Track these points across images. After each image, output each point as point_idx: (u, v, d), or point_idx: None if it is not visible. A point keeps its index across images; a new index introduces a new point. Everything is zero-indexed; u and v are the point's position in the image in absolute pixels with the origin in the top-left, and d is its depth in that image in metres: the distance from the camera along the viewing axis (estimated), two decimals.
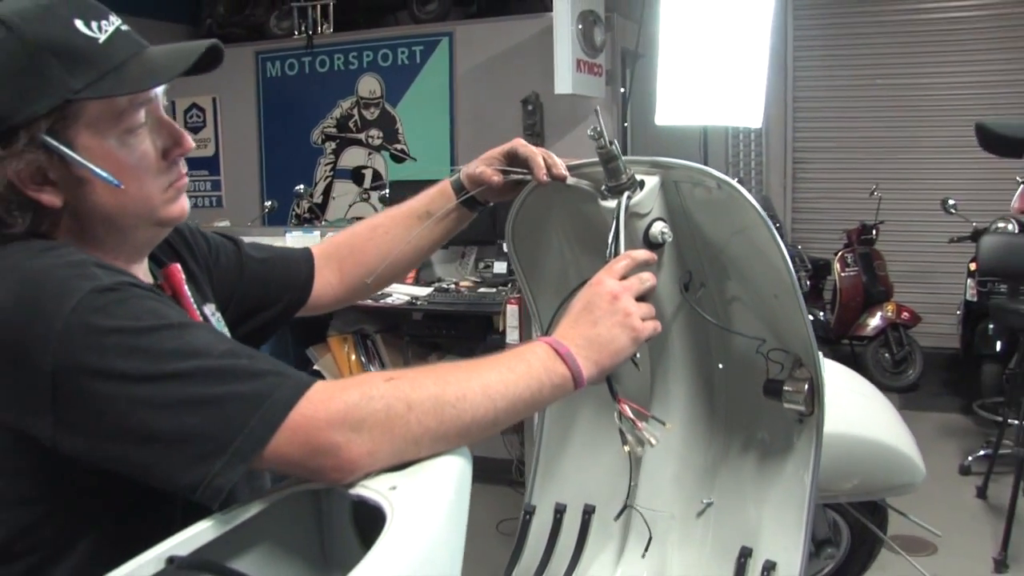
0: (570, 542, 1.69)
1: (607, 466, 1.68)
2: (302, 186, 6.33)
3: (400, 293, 4.71)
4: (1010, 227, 6.14)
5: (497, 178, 1.49)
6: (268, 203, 6.35)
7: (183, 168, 1.19)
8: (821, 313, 6.82)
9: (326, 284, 1.58)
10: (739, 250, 1.45)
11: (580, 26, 5.55)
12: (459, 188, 1.56)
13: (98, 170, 1.07)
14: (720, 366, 1.60)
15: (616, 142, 1.33)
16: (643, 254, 1.32)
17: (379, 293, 4.58)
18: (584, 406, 1.71)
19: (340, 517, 1.16)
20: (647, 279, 1.28)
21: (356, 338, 4.95)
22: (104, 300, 0.99)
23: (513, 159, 1.49)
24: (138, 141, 1.12)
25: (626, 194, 1.35)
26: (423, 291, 4.79)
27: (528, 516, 1.71)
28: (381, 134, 7.06)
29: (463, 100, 6.95)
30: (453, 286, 4.94)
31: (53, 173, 1.07)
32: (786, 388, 1.47)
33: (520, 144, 1.49)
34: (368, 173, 7.14)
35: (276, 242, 3.17)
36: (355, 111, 7.09)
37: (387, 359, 4.92)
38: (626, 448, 1.33)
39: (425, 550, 0.94)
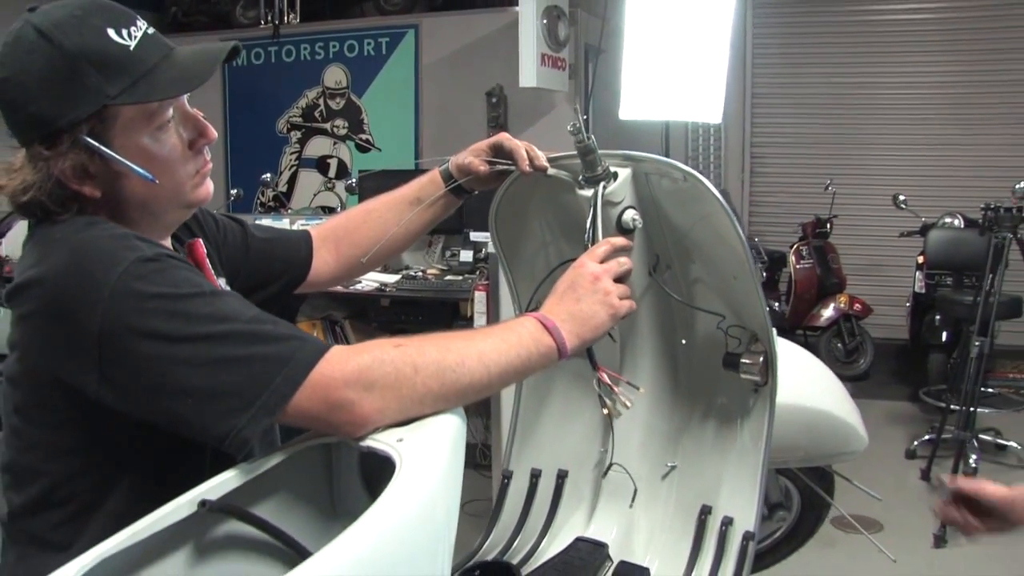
0: (545, 503, 1.83)
1: (579, 434, 1.83)
2: (269, 175, 6.37)
3: (369, 280, 4.81)
4: (956, 222, 6.35)
5: (484, 168, 1.61)
6: (233, 191, 6.39)
7: (207, 155, 1.31)
8: (776, 304, 6.98)
9: (323, 263, 1.70)
10: (702, 236, 1.58)
11: (545, 21, 5.65)
12: (447, 177, 1.68)
13: (135, 167, 1.20)
14: (683, 341, 1.74)
15: (594, 137, 1.46)
16: (621, 241, 1.46)
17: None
18: (558, 379, 1.85)
19: (349, 470, 1.29)
20: (624, 263, 1.42)
21: (325, 324, 5.05)
22: (146, 269, 1.11)
23: (498, 151, 1.61)
24: (167, 136, 1.24)
25: (602, 184, 1.49)
26: (391, 278, 4.90)
27: (506, 480, 1.84)
28: (346, 124, 7.13)
29: (428, 91, 7.02)
30: (420, 273, 5.06)
31: (93, 168, 1.19)
32: (743, 360, 1.61)
33: (505, 137, 1.61)
34: (333, 163, 7.20)
35: None
36: (321, 101, 7.15)
37: None
38: (605, 411, 1.48)
39: (431, 492, 1.08)
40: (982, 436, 5.25)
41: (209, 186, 1.32)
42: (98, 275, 1.10)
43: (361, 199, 5.24)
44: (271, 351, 1.12)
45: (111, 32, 1.18)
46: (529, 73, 5.65)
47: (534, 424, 1.86)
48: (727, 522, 1.64)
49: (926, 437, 5.29)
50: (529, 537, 1.78)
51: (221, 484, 1.13)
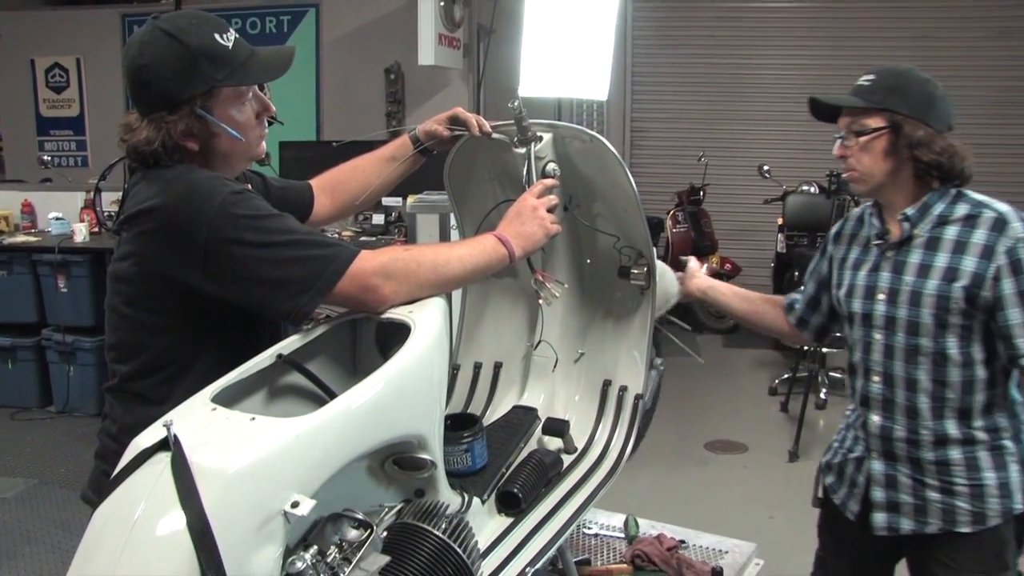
0: (485, 387, 2.37)
1: (510, 334, 2.38)
2: None
3: None
4: (812, 189, 7.11)
5: (447, 133, 2.12)
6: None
7: (266, 125, 1.81)
8: None
9: (321, 206, 2.19)
10: (602, 182, 2.13)
11: (442, 2, 6.09)
12: (415, 140, 2.18)
13: (230, 130, 1.70)
14: (588, 261, 2.31)
15: (526, 110, 2.00)
16: (551, 182, 1.99)
17: None
18: (494, 292, 2.38)
19: (368, 339, 1.82)
20: (554, 198, 1.96)
21: None
22: (236, 198, 1.61)
23: (455, 120, 2.12)
24: (247, 108, 1.75)
25: (532, 144, 2.02)
26: None
27: (455, 372, 2.38)
28: None
29: (329, 68, 7.35)
30: (337, 235, 5.51)
31: (196, 129, 1.68)
32: (632, 271, 2.18)
33: (460, 111, 2.12)
34: None
35: None
36: None
37: None
38: (541, 301, 2.03)
39: (435, 343, 1.60)
40: (831, 374, 6.01)
41: (264, 145, 1.82)
42: (203, 202, 1.58)
43: (281, 167, 5.65)
44: (322, 253, 1.62)
45: (217, 36, 1.67)
46: (427, 51, 6.05)
47: (476, 326, 2.40)
48: (623, 389, 2.22)
49: (785, 376, 6.02)
50: (474, 411, 2.32)
51: (289, 344, 1.66)
